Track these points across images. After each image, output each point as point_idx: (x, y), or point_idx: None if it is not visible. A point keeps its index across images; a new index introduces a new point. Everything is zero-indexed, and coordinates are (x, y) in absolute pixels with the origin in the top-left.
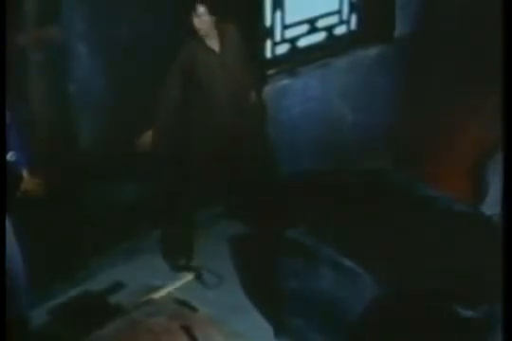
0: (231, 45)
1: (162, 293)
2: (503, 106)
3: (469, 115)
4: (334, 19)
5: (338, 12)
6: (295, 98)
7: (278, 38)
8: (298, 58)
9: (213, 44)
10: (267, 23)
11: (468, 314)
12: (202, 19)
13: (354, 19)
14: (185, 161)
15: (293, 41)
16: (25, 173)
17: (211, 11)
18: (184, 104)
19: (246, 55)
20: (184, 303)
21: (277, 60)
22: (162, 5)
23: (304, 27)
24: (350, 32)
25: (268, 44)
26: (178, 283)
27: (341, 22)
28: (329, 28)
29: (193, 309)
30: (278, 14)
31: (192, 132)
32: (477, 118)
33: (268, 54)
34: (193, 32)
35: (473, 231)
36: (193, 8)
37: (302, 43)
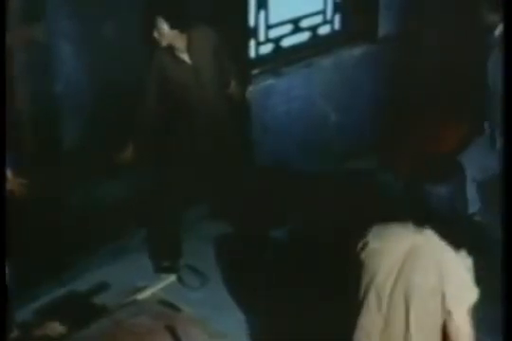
0: (203, 49)
1: (146, 293)
2: (503, 107)
3: (454, 114)
4: (318, 19)
5: (322, 12)
6: (279, 97)
7: (262, 38)
8: (282, 58)
9: (182, 52)
10: (251, 23)
11: None
12: (162, 33)
13: (338, 19)
14: (170, 162)
15: (277, 41)
16: (9, 174)
17: (173, 25)
18: (165, 107)
19: (225, 55)
20: (168, 303)
21: (261, 59)
22: (146, 4)
23: (288, 27)
24: (334, 32)
25: (252, 43)
26: (162, 284)
27: (325, 22)
28: (313, 28)
29: (177, 309)
30: (262, 14)
31: (176, 133)
32: (462, 118)
33: (252, 54)
34: (159, 44)
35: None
36: (154, 23)
37: (286, 42)
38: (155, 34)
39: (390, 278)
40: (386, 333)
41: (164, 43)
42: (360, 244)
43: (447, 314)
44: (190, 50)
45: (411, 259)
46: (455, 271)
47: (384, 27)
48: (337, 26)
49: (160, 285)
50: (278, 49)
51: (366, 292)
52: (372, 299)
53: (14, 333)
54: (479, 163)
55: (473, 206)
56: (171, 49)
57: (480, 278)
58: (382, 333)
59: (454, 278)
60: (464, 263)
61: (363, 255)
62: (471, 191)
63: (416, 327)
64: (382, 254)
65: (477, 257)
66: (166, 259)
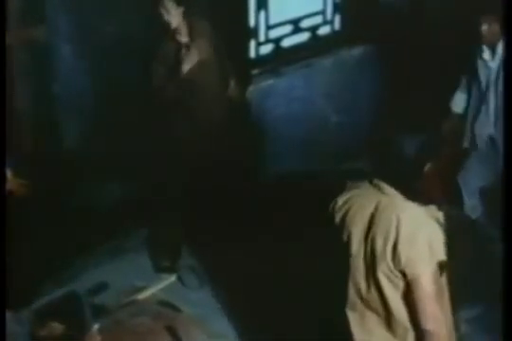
0: (205, 43)
1: (146, 293)
2: (504, 109)
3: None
4: (318, 19)
5: (322, 13)
6: (279, 98)
7: (262, 38)
8: (282, 58)
9: (184, 39)
10: (251, 23)
11: None
12: (170, 11)
13: (337, 19)
14: (171, 161)
15: (277, 41)
16: (9, 174)
17: (178, 2)
18: (166, 107)
19: (224, 54)
20: (168, 304)
21: (261, 60)
22: (146, 5)
23: (288, 28)
24: (334, 32)
25: (252, 44)
26: (162, 284)
27: (325, 22)
28: (313, 29)
29: (177, 309)
30: (262, 14)
31: (178, 132)
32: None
33: (252, 54)
34: (165, 29)
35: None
36: (161, 4)
37: (286, 43)
38: (165, 16)
39: (361, 245)
40: (369, 294)
41: (174, 23)
42: (329, 213)
43: (407, 275)
44: (193, 41)
45: (375, 222)
46: (414, 231)
47: (384, 28)
48: (337, 26)
49: (160, 285)
50: (278, 50)
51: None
52: (353, 267)
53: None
54: (481, 171)
55: (475, 211)
56: (175, 39)
57: (480, 278)
58: (368, 294)
59: (411, 239)
60: (430, 218)
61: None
62: (474, 199)
63: (388, 288)
64: (352, 221)
65: (478, 257)
66: (166, 258)
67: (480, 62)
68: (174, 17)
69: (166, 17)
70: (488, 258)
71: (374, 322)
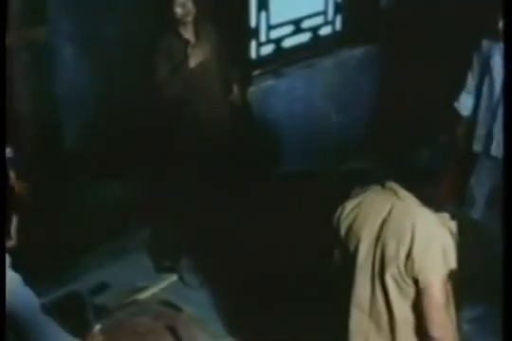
0: (207, 44)
1: (147, 293)
2: (504, 110)
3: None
4: (319, 20)
5: (324, 13)
6: (280, 98)
7: (263, 38)
8: (283, 58)
9: (190, 37)
10: (252, 23)
11: None
12: (184, 4)
13: (339, 20)
14: (171, 161)
15: (278, 41)
16: (11, 174)
17: None
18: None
19: (225, 55)
20: (169, 303)
21: (262, 60)
22: (147, 5)
23: (289, 28)
24: (335, 33)
25: (253, 44)
26: (163, 284)
27: (326, 22)
28: (314, 29)
29: (178, 309)
30: (263, 15)
31: (178, 132)
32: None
33: (253, 54)
34: (172, 25)
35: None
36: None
37: (287, 43)
38: (177, 9)
39: (370, 249)
40: (373, 300)
41: (190, 17)
42: (336, 218)
43: (419, 282)
44: (198, 41)
45: (388, 225)
46: (429, 238)
47: (385, 28)
48: (338, 26)
49: (161, 285)
50: (279, 50)
51: (352, 271)
52: (359, 274)
53: None
54: (487, 176)
55: (479, 212)
56: (180, 35)
57: (480, 278)
58: (371, 301)
59: (426, 247)
60: (443, 227)
61: (343, 232)
62: (483, 201)
63: (395, 294)
64: (361, 226)
65: (479, 257)
66: (167, 258)
67: (497, 60)
68: (185, 10)
69: (178, 12)
70: (489, 258)
71: (374, 335)
